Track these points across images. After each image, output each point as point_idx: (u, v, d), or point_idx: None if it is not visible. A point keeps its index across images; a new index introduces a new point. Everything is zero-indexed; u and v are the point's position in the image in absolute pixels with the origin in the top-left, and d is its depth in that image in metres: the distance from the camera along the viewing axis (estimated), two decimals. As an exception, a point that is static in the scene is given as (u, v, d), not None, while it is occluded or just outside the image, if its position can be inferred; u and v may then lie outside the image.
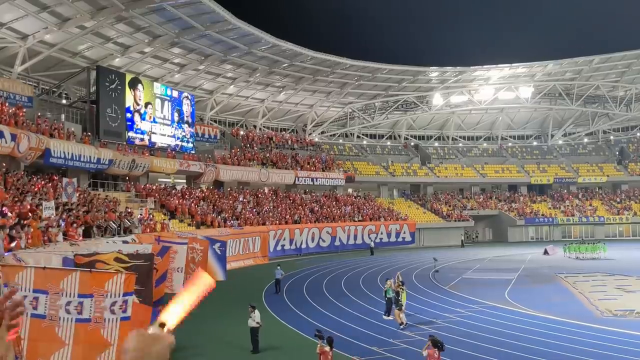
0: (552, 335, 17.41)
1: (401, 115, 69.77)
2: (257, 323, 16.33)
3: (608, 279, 29.92)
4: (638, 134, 74.92)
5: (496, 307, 22.33)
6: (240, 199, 48.08)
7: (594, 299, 23.57)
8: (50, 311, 9.05)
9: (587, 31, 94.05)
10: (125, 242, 23.85)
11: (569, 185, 71.13)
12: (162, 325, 1.94)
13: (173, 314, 1.99)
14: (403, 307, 19.12)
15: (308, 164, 58.41)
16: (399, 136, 73.38)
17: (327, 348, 12.73)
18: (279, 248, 45.01)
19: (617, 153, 73.63)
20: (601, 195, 69.54)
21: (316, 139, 66.63)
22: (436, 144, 74.72)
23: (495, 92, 66.17)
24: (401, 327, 18.59)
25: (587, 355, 14.91)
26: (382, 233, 53.66)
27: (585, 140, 76.26)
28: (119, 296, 9.20)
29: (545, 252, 45.71)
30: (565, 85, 67.07)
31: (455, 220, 61.05)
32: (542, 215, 64.85)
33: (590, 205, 66.74)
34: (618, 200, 67.45)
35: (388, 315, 20.43)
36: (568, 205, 66.76)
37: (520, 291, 26.60)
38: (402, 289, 19.46)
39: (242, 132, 59.16)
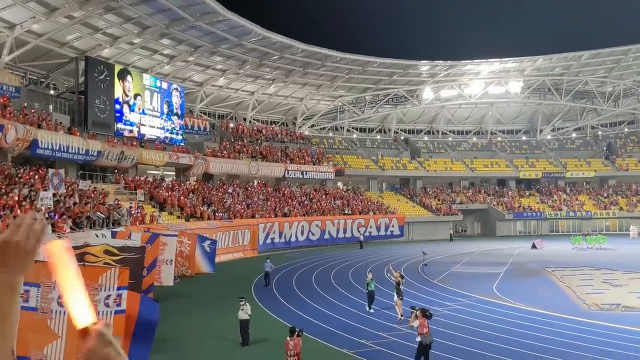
0: (539, 328, 17.55)
1: (391, 109, 69.84)
2: (249, 315, 16.32)
3: (595, 273, 30.20)
4: (625, 130, 75.55)
5: (484, 301, 22.48)
6: (230, 190, 47.97)
7: (581, 293, 23.79)
8: (42, 304, 9.08)
9: (577, 27, 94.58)
10: (113, 232, 23.71)
11: (557, 180, 71.63)
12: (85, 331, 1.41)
13: (82, 310, 1.31)
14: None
15: (298, 157, 58.35)
16: (389, 130, 73.45)
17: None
18: (268, 241, 44.99)
19: (605, 148, 74.17)
20: (589, 190, 70.10)
21: (306, 132, 66.56)
22: (426, 138, 74.87)
23: (485, 86, 66.43)
24: (400, 318, 18.72)
25: (574, 349, 15.04)
26: (371, 227, 53.78)
27: (574, 135, 76.76)
28: (113, 290, 9.29)
29: (533, 246, 46.06)
30: (554, 81, 67.44)
31: (444, 214, 61.31)
32: (530, 209, 65.28)
33: (578, 200, 67.25)
34: (605, 195, 68.02)
35: (370, 308, 20.63)
36: (556, 200, 67.23)
37: (508, 285, 26.79)
38: (402, 281, 20.11)
39: (231, 125, 58.94)
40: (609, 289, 24.96)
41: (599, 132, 76.63)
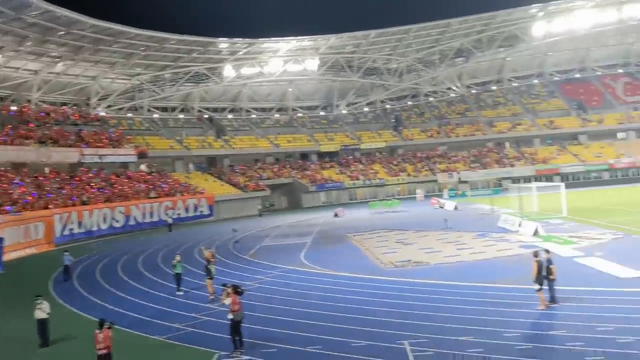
0: (344, 290, 18.82)
1: (193, 87, 68.62)
2: (47, 314, 15.02)
3: (389, 235, 33.15)
4: (409, 103, 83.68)
5: (294, 270, 23.42)
6: (16, 180, 43.29)
7: (379, 254, 25.99)
8: None
9: (365, 6, 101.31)
10: None
11: (353, 151, 76.83)
12: None
13: None
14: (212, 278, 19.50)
15: (94, 140, 54.51)
16: (192, 109, 72.21)
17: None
18: (66, 232, 41.62)
19: (393, 120, 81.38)
20: (381, 159, 76.35)
21: (102, 114, 62.45)
22: (230, 116, 75.07)
23: (284, 64, 68.43)
24: (211, 297, 18.64)
25: (376, 305, 16.40)
26: (179, 208, 52.63)
27: (366, 109, 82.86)
28: None
29: (336, 215, 49.01)
30: (346, 58, 71.88)
31: (252, 191, 62.24)
32: (332, 180, 69.22)
33: (372, 169, 72.92)
34: (395, 163, 74.70)
35: (179, 290, 20.37)
36: (353, 170, 72.14)
37: (315, 253, 28.21)
38: (213, 261, 20.27)
39: (13, 108, 52.93)
40: (401, 248, 27.58)
41: (387, 106, 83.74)
